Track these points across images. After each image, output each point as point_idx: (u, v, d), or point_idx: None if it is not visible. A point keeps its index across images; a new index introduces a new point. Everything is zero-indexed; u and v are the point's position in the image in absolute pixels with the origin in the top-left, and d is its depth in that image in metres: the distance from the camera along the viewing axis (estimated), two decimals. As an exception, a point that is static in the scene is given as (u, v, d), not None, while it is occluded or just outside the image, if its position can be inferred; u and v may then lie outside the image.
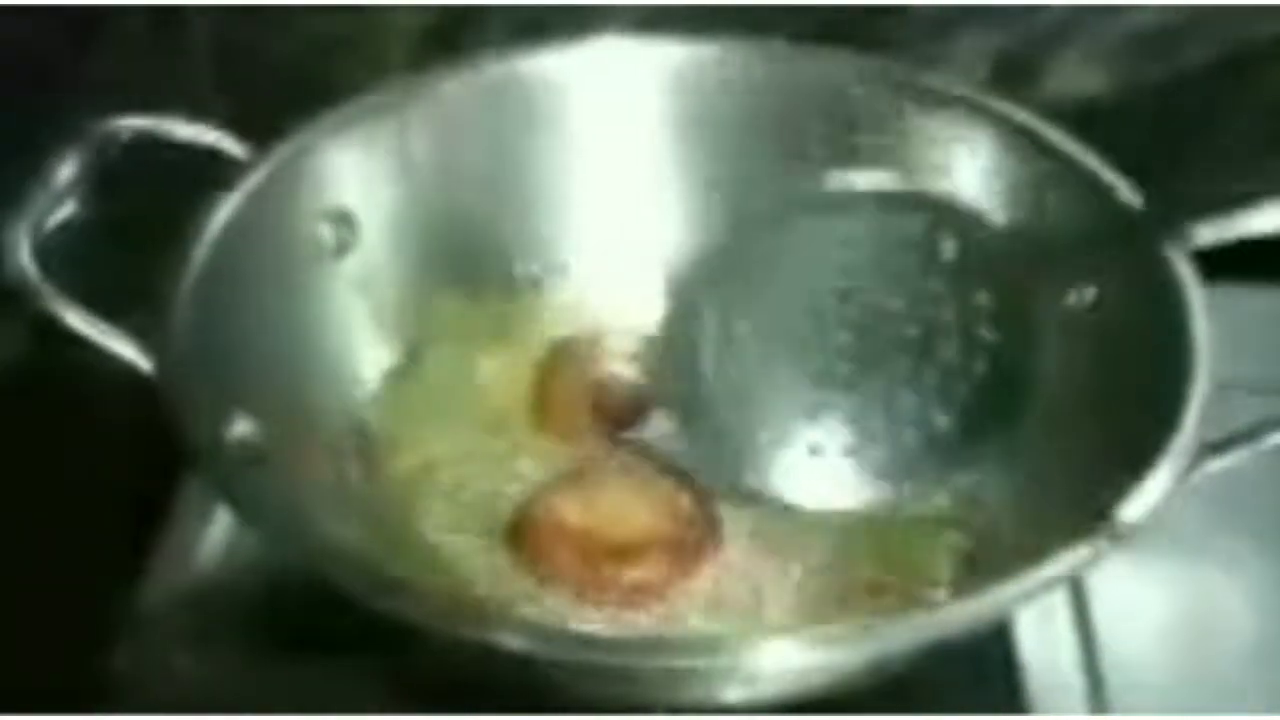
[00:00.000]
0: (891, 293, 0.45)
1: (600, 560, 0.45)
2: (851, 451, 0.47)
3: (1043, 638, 0.47)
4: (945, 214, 0.45)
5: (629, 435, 0.50)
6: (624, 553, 0.46)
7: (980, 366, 0.45)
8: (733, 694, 0.39)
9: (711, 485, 0.48)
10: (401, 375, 0.53)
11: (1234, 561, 0.51)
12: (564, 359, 0.53)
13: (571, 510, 0.47)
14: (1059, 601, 0.48)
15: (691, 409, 0.48)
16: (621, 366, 0.52)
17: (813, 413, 0.47)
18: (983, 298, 0.44)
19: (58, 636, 0.47)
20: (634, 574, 0.45)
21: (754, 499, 0.48)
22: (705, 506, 0.48)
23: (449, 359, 0.53)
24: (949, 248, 0.45)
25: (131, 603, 0.48)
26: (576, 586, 0.45)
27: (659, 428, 0.49)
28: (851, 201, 0.46)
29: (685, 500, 0.48)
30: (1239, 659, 0.48)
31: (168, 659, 0.47)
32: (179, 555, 0.49)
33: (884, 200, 0.45)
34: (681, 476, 0.48)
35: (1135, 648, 0.47)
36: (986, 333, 0.45)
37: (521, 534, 0.47)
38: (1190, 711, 0.46)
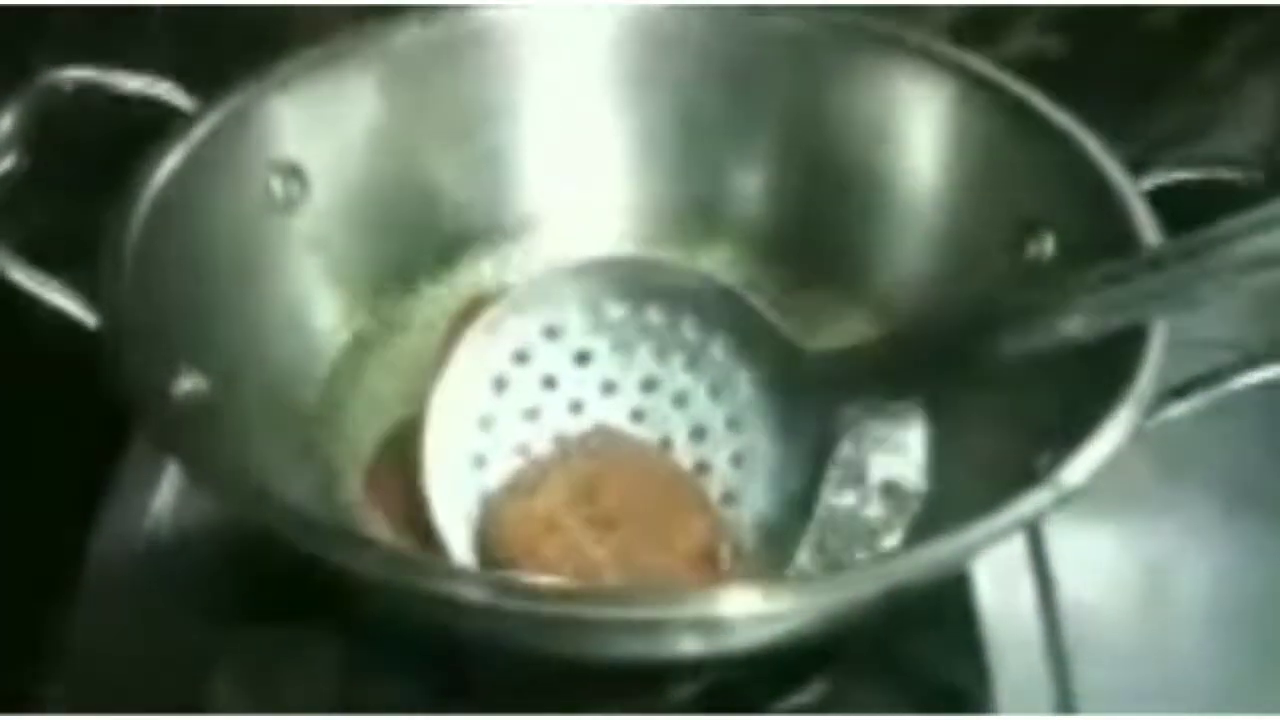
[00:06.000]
0: None
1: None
2: None
3: (1002, 590, 0.47)
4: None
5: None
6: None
7: None
8: (692, 645, 0.39)
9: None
10: (356, 331, 0.52)
11: (1192, 515, 0.51)
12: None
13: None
14: (1018, 554, 0.48)
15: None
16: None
17: None
18: None
19: (4, 598, 0.46)
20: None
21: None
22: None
23: (404, 315, 0.53)
24: None
25: (81, 562, 0.47)
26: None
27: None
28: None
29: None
30: (1196, 612, 0.48)
31: (117, 620, 0.46)
32: (128, 514, 0.49)
33: None
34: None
35: (1094, 600, 0.47)
36: None
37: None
38: (1148, 664, 0.46)
